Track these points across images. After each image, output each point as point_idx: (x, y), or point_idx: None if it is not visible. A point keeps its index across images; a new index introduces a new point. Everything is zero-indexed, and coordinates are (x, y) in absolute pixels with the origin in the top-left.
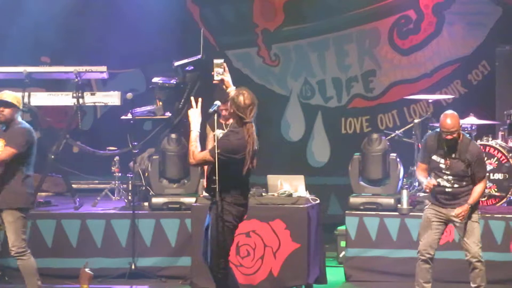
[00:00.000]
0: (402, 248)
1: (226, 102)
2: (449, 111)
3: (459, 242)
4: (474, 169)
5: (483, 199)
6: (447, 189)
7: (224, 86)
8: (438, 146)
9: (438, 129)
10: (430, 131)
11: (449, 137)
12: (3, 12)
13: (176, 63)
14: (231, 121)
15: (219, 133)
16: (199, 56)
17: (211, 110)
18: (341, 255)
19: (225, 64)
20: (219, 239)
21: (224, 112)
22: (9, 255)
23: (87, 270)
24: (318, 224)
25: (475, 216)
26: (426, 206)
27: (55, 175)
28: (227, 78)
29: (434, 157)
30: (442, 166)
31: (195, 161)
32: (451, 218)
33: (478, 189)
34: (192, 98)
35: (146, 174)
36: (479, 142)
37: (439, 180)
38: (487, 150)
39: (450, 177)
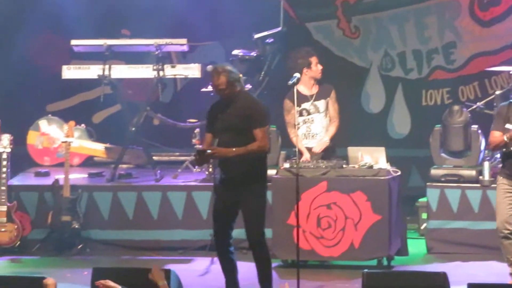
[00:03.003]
0: (483, 220)
1: (310, 55)
2: None
3: None
4: None
5: None
6: None
7: None
8: (509, 114)
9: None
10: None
11: None
12: None
13: (256, 36)
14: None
15: (308, 106)
16: (279, 28)
17: (290, 82)
18: (422, 227)
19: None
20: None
21: (314, 72)
22: (90, 227)
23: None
24: (399, 196)
25: None
26: (498, 182)
27: (136, 148)
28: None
29: (507, 126)
30: None
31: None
32: None
33: None
34: None
35: None
36: None
37: None
38: None
39: None
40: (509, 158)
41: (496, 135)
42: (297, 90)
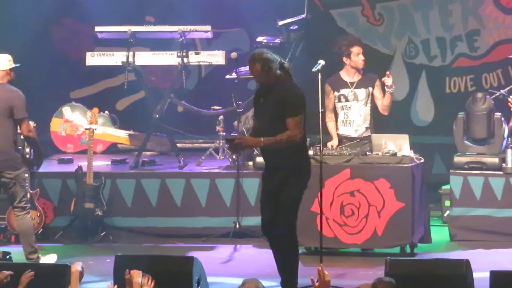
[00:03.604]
0: (506, 207)
1: (351, 45)
2: None
3: None
4: None
5: None
6: None
7: None
8: None
9: None
10: None
11: None
12: None
13: (280, 22)
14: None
15: (347, 92)
16: (303, 15)
17: (314, 69)
18: (445, 215)
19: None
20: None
21: (354, 62)
22: (113, 215)
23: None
24: (422, 183)
25: None
26: None
27: (160, 135)
28: None
29: None
30: None
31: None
32: None
33: None
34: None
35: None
36: None
37: None
38: None
39: None
40: None
41: None
42: (339, 76)
